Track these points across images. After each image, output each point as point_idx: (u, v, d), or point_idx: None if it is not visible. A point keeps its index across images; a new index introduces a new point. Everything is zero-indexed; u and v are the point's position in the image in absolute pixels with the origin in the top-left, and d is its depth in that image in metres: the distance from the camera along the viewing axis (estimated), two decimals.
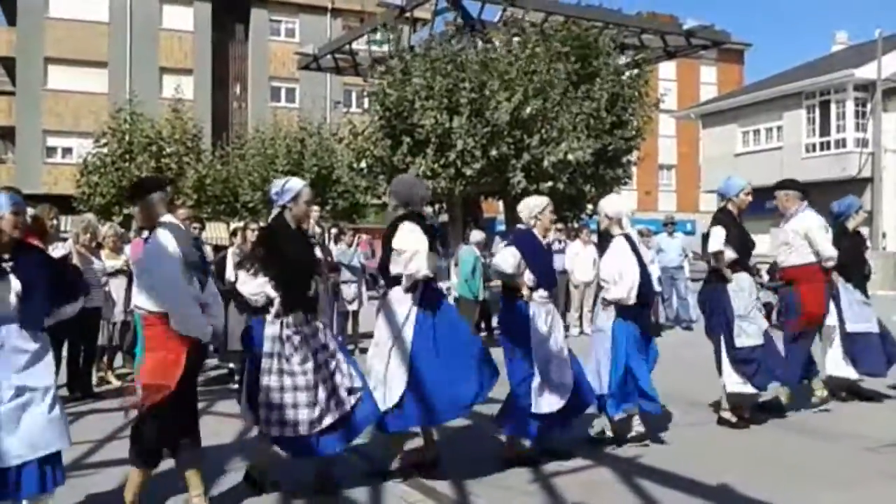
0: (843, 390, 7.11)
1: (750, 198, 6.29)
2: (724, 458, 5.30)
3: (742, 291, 6.14)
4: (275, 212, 4.53)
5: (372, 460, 5.15)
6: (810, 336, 6.75)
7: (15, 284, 3.65)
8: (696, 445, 5.62)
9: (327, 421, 4.30)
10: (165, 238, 3.99)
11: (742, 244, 6.24)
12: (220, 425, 6.05)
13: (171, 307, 3.92)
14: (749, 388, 6.06)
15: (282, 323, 4.33)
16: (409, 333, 4.64)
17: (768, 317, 13.56)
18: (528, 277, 5.12)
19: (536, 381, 4.97)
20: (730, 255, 6.16)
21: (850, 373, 6.99)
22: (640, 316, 5.62)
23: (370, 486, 4.69)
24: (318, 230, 11.02)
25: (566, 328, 12.13)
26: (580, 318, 12.84)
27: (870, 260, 7.59)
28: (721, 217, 6.23)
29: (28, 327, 3.68)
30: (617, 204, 5.81)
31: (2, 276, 3.63)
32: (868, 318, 7.08)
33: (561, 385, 5.07)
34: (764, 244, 25.72)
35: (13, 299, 3.64)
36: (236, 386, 6.44)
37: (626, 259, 5.49)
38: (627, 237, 5.60)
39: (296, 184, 4.53)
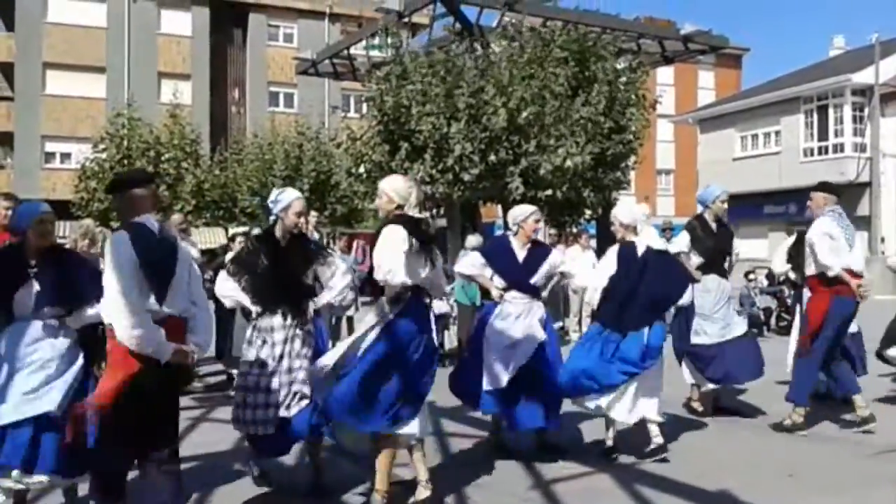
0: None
1: (725, 205, 6.63)
2: (722, 463, 5.29)
3: (707, 293, 6.46)
4: (271, 220, 4.63)
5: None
6: (817, 352, 5.99)
7: (35, 286, 3.91)
8: (694, 451, 5.61)
9: (270, 429, 4.36)
10: (120, 241, 3.48)
11: (712, 249, 6.52)
12: (217, 432, 6.02)
13: (115, 321, 3.41)
14: (702, 381, 6.47)
15: (254, 326, 4.48)
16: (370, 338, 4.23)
17: (767, 321, 13.72)
18: (497, 280, 5.48)
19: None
20: (695, 259, 6.49)
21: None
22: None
23: (363, 492, 4.68)
24: (315, 235, 11.06)
25: (564, 333, 12.35)
26: (579, 322, 12.84)
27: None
28: (692, 223, 6.64)
29: (48, 325, 3.92)
30: (631, 211, 5.57)
31: (26, 280, 3.91)
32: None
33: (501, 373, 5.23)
34: (762, 249, 25.81)
35: (31, 301, 3.89)
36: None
37: (604, 264, 5.59)
38: (628, 245, 5.45)
39: (288, 195, 4.57)
